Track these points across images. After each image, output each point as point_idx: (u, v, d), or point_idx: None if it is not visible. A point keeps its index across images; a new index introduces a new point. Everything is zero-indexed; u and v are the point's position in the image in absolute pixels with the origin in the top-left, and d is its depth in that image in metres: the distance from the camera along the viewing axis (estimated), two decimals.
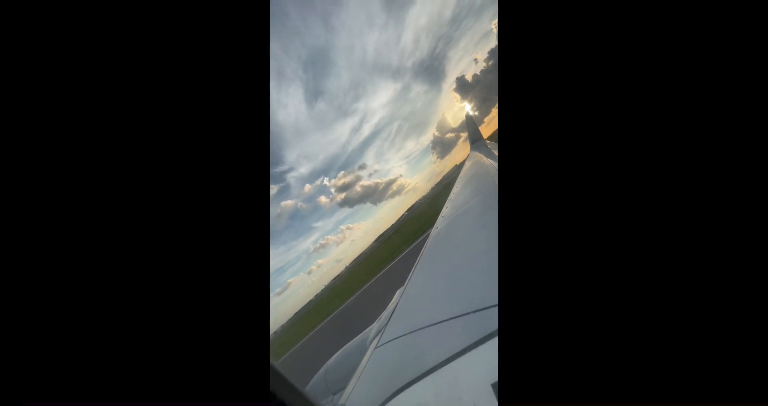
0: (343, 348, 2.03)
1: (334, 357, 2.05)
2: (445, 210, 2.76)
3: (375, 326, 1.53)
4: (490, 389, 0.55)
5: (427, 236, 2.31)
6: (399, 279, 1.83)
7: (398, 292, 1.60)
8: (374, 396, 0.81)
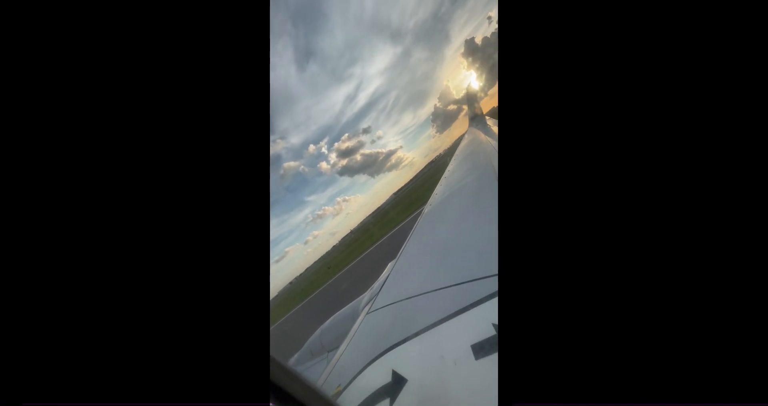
0: (336, 313, 2.20)
1: (328, 321, 2.23)
2: (439, 187, 2.78)
3: (367, 295, 1.64)
4: (470, 350, 0.63)
5: (420, 213, 2.36)
6: (392, 252, 1.91)
7: (390, 264, 1.68)
8: (365, 355, 0.90)
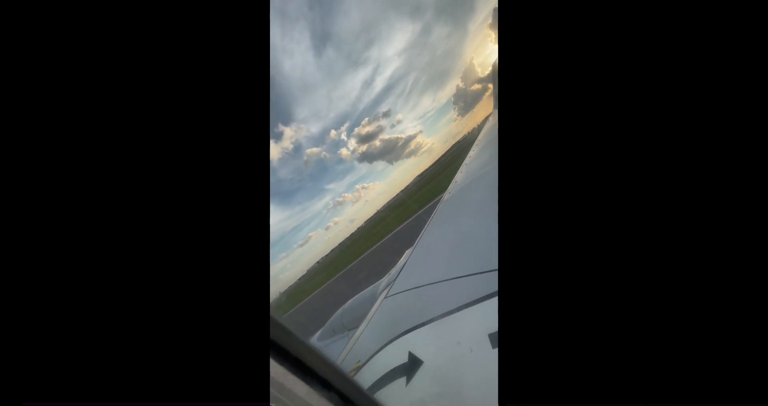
0: (356, 296, 2.32)
1: (348, 302, 2.36)
2: (459, 175, 2.69)
3: (385, 280, 1.69)
4: (487, 338, 0.63)
5: (438, 200, 2.32)
6: (409, 240, 1.93)
7: (407, 252, 1.70)
8: (382, 335, 0.95)
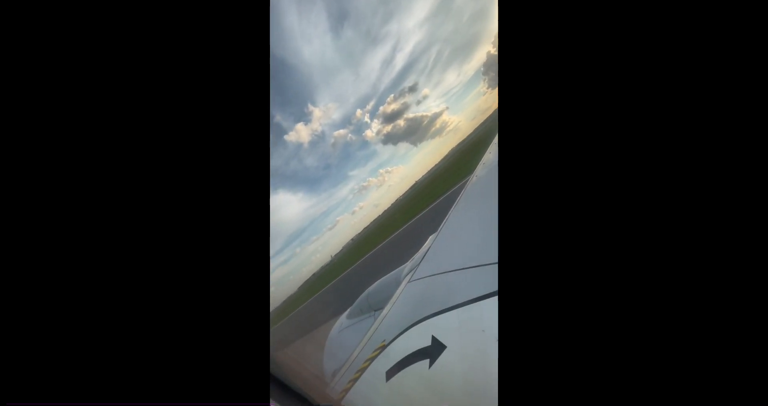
0: (382, 278, 2.40)
1: (374, 284, 2.45)
2: (488, 156, 2.50)
3: (408, 265, 1.70)
4: None
5: (464, 183, 2.20)
6: (432, 225, 1.90)
7: (430, 237, 1.68)
8: (406, 318, 0.97)
